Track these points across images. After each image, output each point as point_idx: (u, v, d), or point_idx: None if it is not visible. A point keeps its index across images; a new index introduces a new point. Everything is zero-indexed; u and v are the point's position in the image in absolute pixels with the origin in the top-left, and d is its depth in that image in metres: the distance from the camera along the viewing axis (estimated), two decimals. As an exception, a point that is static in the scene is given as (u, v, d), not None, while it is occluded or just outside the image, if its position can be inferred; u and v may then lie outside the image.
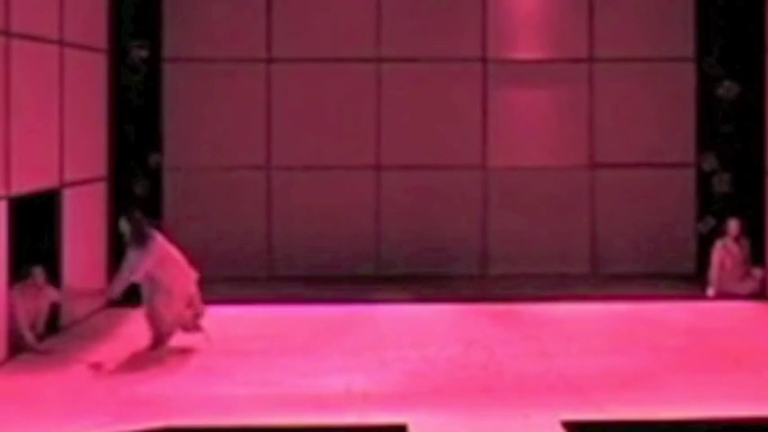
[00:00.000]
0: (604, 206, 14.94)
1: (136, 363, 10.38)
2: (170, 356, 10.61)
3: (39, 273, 10.81)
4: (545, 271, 14.69)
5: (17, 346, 10.49)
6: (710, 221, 14.32)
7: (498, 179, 14.95)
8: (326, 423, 8.43)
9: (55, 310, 11.25)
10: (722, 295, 13.41)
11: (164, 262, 10.78)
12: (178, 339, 10.99)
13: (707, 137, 14.59)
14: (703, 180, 14.59)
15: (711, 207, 14.43)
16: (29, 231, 10.95)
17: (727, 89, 14.32)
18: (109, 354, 10.67)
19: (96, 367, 10.15)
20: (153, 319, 10.78)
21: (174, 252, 10.98)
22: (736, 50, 14.27)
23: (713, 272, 13.57)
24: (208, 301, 13.26)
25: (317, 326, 11.99)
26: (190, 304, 10.96)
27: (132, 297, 11.23)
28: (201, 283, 11.23)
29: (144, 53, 13.96)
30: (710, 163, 14.49)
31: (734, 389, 9.32)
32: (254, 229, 14.73)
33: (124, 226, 10.93)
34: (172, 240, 11.22)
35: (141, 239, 10.75)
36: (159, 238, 10.93)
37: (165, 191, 14.45)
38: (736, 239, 13.61)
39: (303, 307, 12.95)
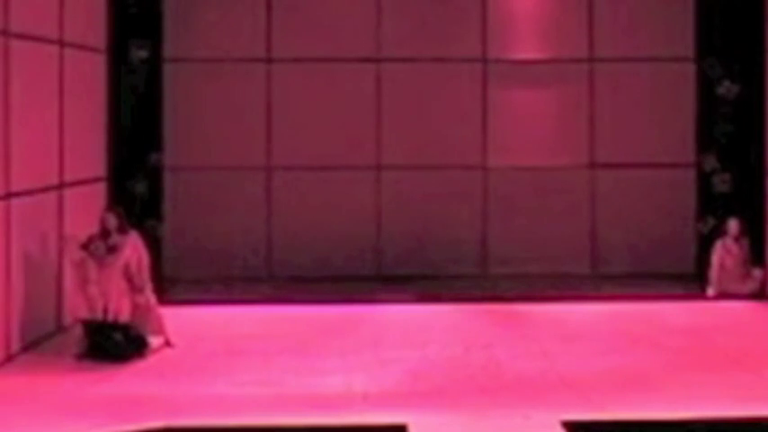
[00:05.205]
0: (604, 206, 14.93)
1: (135, 363, 10.37)
2: (170, 357, 10.63)
3: None
4: (545, 271, 14.69)
5: None
6: (710, 221, 14.32)
7: (498, 179, 14.95)
8: (326, 423, 8.43)
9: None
10: (722, 295, 13.41)
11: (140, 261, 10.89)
12: (177, 340, 11.01)
13: (707, 137, 14.59)
14: (703, 180, 14.59)
15: (711, 207, 14.43)
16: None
17: (727, 89, 14.32)
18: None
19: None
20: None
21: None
22: (736, 50, 14.27)
23: (713, 272, 13.57)
24: (207, 301, 13.33)
25: (317, 326, 11.99)
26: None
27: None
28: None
29: (144, 53, 13.97)
30: (710, 163, 14.49)
31: (734, 389, 9.31)
32: (254, 229, 14.73)
33: (112, 221, 10.89)
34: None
35: (126, 229, 10.88)
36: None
37: (165, 191, 14.44)
38: (736, 239, 13.60)
39: (303, 307, 12.95)
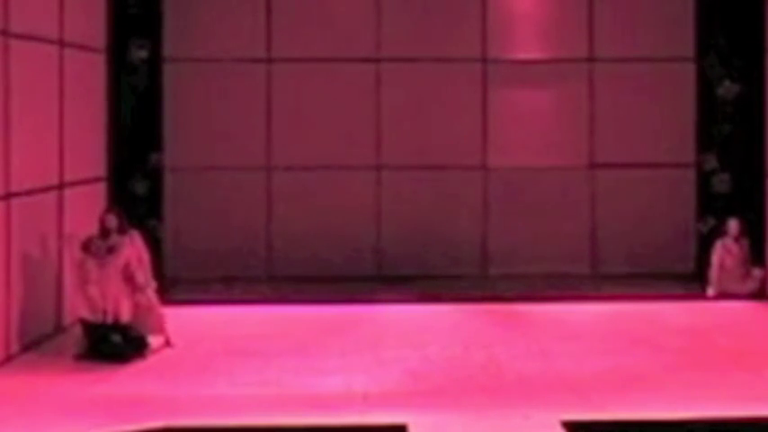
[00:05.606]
0: (604, 206, 14.93)
1: (135, 363, 10.37)
2: (170, 357, 10.63)
3: None
4: (545, 271, 14.68)
5: None
6: (710, 221, 14.33)
7: (498, 179, 14.95)
8: (326, 423, 8.43)
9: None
10: (722, 295, 13.41)
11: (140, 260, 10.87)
12: (177, 340, 11.01)
13: (707, 137, 14.59)
14: (703, 180, 14.60)
15: (711, 207, 14.43)
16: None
17: (727, 89, 14.33)
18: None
19: None
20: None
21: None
22: (736, 50, 14.28)
23: (713, 272, 13.57)
24: (207, 301, 13.33)
25: (317, 326, 11.99)
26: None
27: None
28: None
29: (144, 53, 13.98)
30: (710, 163, 14.49)
31: (734, 389, 9.31)
32: (254, 229, 14.73)
33: (112, 221, 10.86)
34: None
35: (126, 229, 10.86)
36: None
37: (165, 191, 14.44)
38: (737, 239, 13.61)
39: (303, 307, 12.95)
